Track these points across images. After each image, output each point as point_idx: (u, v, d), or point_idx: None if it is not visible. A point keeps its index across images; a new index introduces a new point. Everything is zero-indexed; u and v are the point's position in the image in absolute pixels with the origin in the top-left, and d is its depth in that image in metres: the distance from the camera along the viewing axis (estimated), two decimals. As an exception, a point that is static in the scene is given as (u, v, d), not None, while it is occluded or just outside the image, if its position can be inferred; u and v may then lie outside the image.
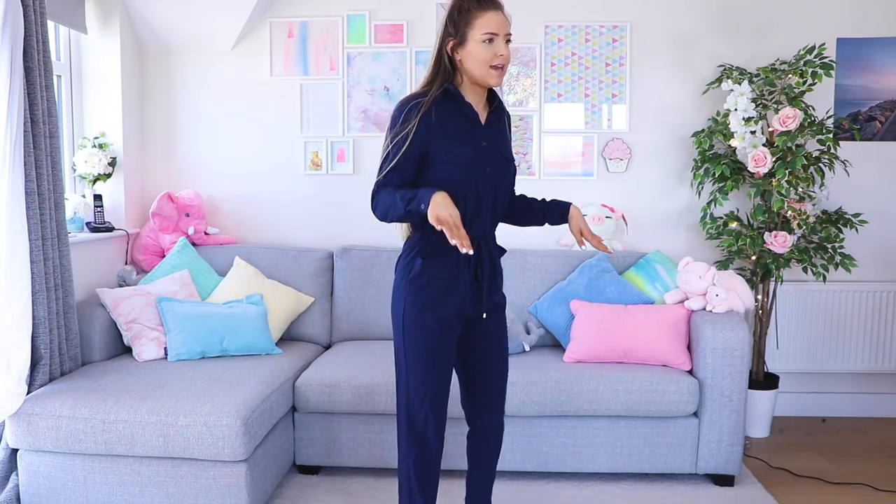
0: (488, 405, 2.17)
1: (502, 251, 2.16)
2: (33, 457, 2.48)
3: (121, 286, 3.27)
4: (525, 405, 2.74)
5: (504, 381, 2.19)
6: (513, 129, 2.20)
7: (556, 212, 2.16)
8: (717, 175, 3.29)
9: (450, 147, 1.95)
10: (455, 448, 2.82)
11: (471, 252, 1.77)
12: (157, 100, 3.67)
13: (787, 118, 3.10)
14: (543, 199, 2.21)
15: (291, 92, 3.63)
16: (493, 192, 2.03)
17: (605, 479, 2.88)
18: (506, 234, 3.58)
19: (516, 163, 2.38)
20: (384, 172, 1.96)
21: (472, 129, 2.00)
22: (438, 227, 1.80)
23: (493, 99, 2.08)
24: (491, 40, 1.92)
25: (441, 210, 1.80)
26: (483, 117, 2.04)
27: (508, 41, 1.96)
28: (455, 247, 1.88)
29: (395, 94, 3.59)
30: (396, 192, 1.91)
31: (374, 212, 1.98)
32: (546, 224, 2.20)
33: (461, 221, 1.83)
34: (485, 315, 2.08)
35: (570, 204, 2.16)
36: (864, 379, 3.65)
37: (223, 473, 2.40)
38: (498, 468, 2.82)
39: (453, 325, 2.04)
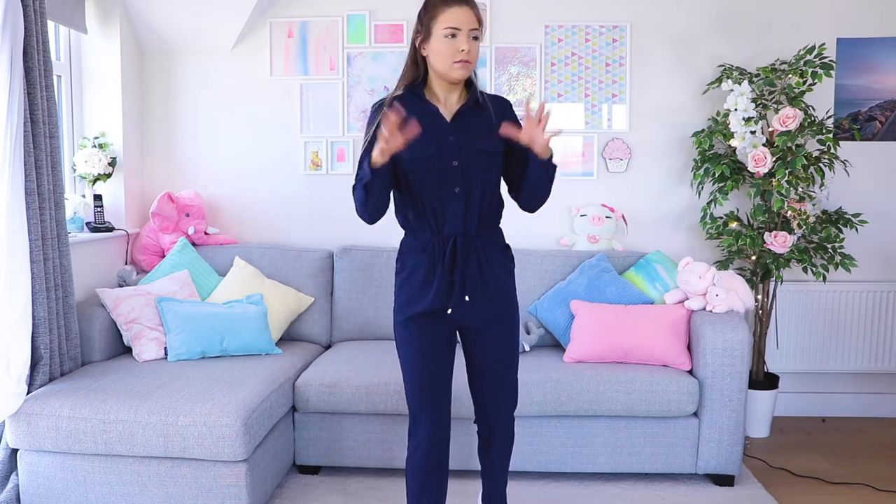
0: (490, 412, 2.15)
1: (506, 251, 2.11)
2: (33, 457, 2.48)
3: (121, 286, 3.27)
4: (525, 405, 2.74)
5: (507, 390, 2.13)
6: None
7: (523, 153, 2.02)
8: (717, 175, 3.29)
9: (411, 145, 1.90)
10: (467, 448, 2.82)
11: (402, 112, 1.82)
12: (157, 100, 3.67)
13: (787, 118, 3.10)
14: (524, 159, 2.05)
15: (291, 92, 3.63)
16: (465, 187, 1.98)
17: (605, 479, 2.88)
18: (506, 232, 3.60)
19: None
20: (356, 175, 2.00)
21: (435, 126, 1.98)
22: (384, 155, 1.84)
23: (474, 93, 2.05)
24: (453, 35, 1.92)
25: (387, 139, 1.81)
26: (453, 110, 2.02)
27: (476, 37, 1.95)
28: (428, 243, 2.00)
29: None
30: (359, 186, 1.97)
31: (357, 214, 2.02)
32: (532, 167, 2.01)
33: (437, 218, 1.98)
34: (450, 311, 2.01)
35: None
36: (864, 379, 3.65)
37: (223, 473, 2.40)
38: (498, 468, 2.83)
39: (435, 323, 2.02)
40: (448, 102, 2.04)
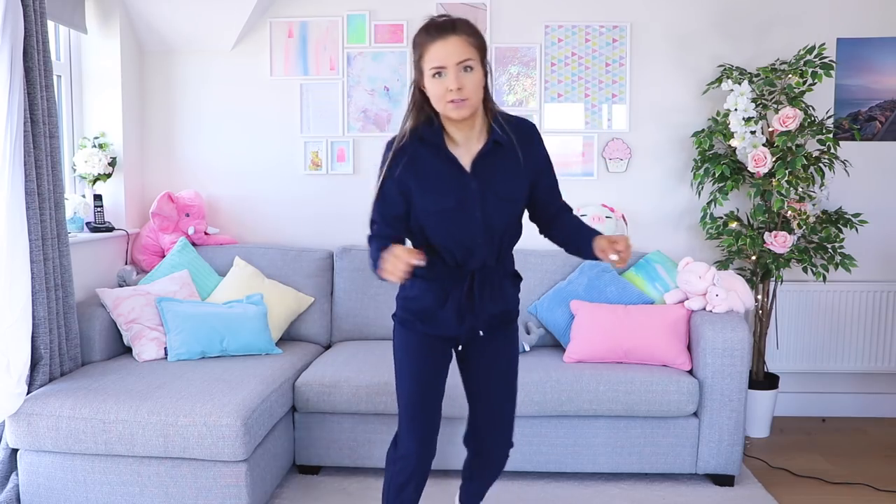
0: (480, 430, 2.08)
1: (516, 278, 2.03)
2: (33, 457, 2.48)
3: (121, 286, 3.27)
4: (525, 405, 2.74)
5: (500, 414, 2.05)
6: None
7: (585, 242, 1.91)
8: (717, 175, 3.29)
9: (428, 195, 1.83)
10: (452, 448, 2.82)
11: (422, 262, 1.69)
12: (157, 100, 3.67)
13: (787, 118, 3.10)
14: (578, 230, 1.98)
15: (291, 92, 3.63)
16: (487, 235, 1.87)
17: (605, 479, 2.88)
18: (506, 234, 3.60)
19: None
20: (371, 222, 1.95)
21: (453, 175, 1.84)
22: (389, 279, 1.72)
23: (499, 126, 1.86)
24: (440, 74, 1.76)
25: (387, 263, 1.69)
26: (473, 153, 1.85)
27: (467, 68, 1.76)
28: (441, 275, 1.90)
29: (395, 93, 3.59)
30: (374, 246, 1.88)
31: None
32: (586, 255, 1.93)
33: (455, 258, 1.88)
34: (461, 348, 2.00)
35: (596, 234, 1.91)
36: (864, 379, 3.65)
37: (223, 473, 2.40)
38: (498, 468, 2.83)
39: (442, 344, 1.98)
40: (467, 144, 1.86)
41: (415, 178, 1.84)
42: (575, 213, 2.05)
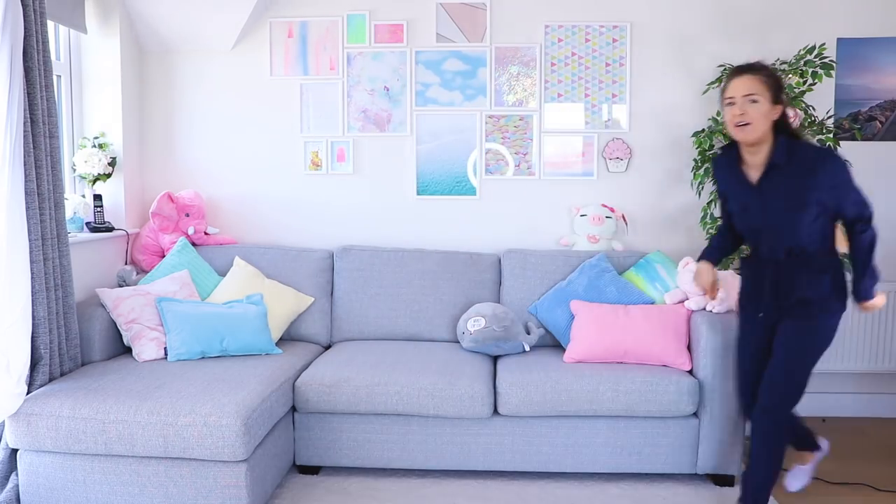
0: (761, 394, 2.38)
1: (822, 267, 2.30)
2: (33, 457, 2.48)
3: (121, 286, 3.27)
4: (525, 405, 2.74)
5: (769, 380, 2.33)
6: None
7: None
8: (717, 175, 3.29)
9: (729, 198, 2.45)
10: (452, 448, 2.82)
11: (713, 299, 2.60)
12: (157, 100, 3.67)
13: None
14: (855, 271, 2.34)
15: (291, 92, 3.63)
16: (770, 233, 2.32)
17: (605, 479, 2.88)
18: (506, 232, 3.61)
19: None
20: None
21: (742, 187, 2.36)
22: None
23: (786, 152, 2.25)
24: (731, 103, 2.25)
25: (695, 277, 2.60)
26: (760, 172, 2.30)
27: (754, 101, 2.21)
28: (756, 258, 2.42)
29: (394, 93, 3.59)
30: (714, 235, 2.69)
31: None
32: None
33: (752, 245, 2.45)
34: (761, 315, 2.40)
35: (856, 297, 2.33)
36: (864, 379, 3.65)
37: (223, 473, 2.40)
38: (498, 468, 2.83)
39: (756, 319, 2.42)
40: (757, 165, 2.31)
41: (725, 185, 2.46)
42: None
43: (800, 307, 2.30)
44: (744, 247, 2.57)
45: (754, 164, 2.33)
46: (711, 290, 2.55)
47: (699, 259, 2.60)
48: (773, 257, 2.34)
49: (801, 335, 2.31)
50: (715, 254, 2.61)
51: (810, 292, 2.29)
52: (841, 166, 2.23)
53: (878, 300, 2.33)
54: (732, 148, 2.40)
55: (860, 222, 2.27)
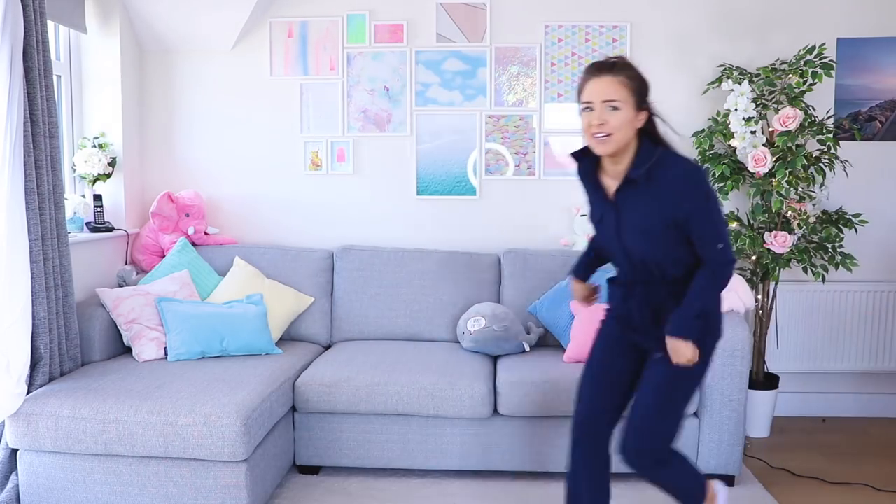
0: (627, 433, 2.04)
1: (676, 300, 1.97)
2: (33, 457, 2.48)
3: (121, 286, 3.27)
4: (525, 405, 2.74)
5: (633, 415, 2.02)
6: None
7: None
8: (717, 175, 3.29)
9: (588, 205, 2.12)
10: (451, 447, 2.82)
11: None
12: (157, 100, 3.67)
13: (787, 118, 3.10)
14: (684, 302, 1.98)
15: (291, 92, 3.63)
16: (626, 255, 2.02)
17: (605, 479, 2.87)
18: (506, 232, 3.60)
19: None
20: None
21: (599, 196, 2.06)
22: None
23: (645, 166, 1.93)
24: (588, 108, 1.94)
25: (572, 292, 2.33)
26: (617, 184, 1.98)
27: (615, 108, 1.90)
28: (622, 279, 2.11)
29: (394, 93, 3.59)
30: (587, 243, 2.34)
31: None
32: None
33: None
34: (634, 340, 2.10)
35: (667, 330, 1.97)
36: (864, 379, 3.65)
37: (223, 473, 2.40)
38: (498, 468, 2.83)
39: (621, 341, 2.13)
40: (616, 175, 2.01)
41: (585, 190, 2.14)
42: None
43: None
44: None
45: (614, 173, 2.01)
46: (587, 301, 2.30)
47: (570, 274, 2.33)
48: (635, 279, 2.05)
49: (669, 367, 1.97)
50: (581, 270, 2.30)
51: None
52: (707, 191, 1.91)
53: (689, 350, 1.92)
54: (592, 158, 2.07)
55: (714, 263, 1.93)
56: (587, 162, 2.08)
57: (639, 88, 1.94)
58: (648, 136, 1.98)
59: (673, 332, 1.94)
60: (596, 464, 2.14)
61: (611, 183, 2.03)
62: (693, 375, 2.01)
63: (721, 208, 1.96)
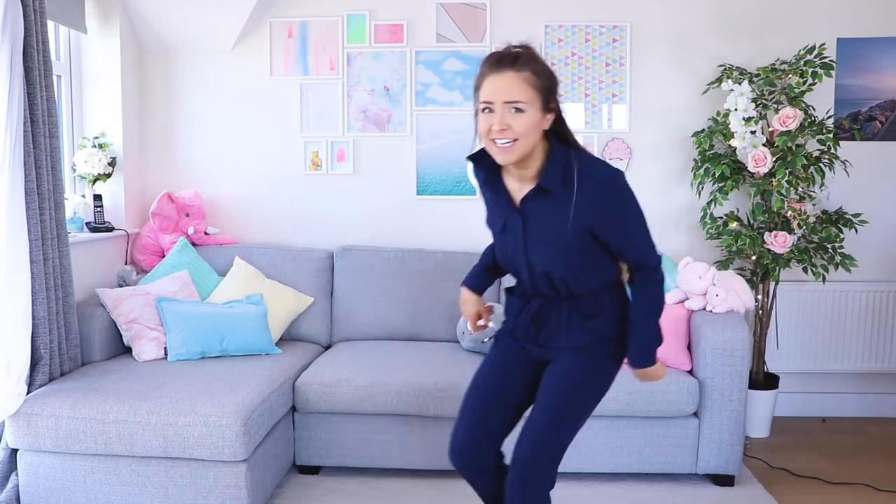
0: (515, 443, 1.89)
1: (589, 318, 1.83)
2: (33, 457, 2.48)
3: (121, 286, 3.27)
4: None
5: (536, 426, 1.84)
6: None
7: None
8: (717, 175, 3.29)
9: (488, 211, 1.89)
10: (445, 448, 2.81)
11: (472, 332, 1.98)
12: (157, 100, 3.67)
13: (787, 118, 3.10)
14: (629, 339, 1.86)
15: (291, 92, 3.63)
16: (529, 270, 1.82)
17: (605, 479, 2.88)
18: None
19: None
20: None
21: (503, 203, 1.82)
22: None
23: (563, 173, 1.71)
24: (488, 110, 1.66)
25: (461, 304, 2.09)
26: (524, 192, 1.77)
27: (519, 110, 1.63)
28: (520, 289, 1.93)
29: (395, 93, 3.59)
30: (484, 253, 2.08)
31: None
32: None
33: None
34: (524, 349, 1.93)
35: (631, 363, 1.88)
36: (864, 379, 3.65)
37: (223, 473, 2.40)
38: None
39: (516, 353, 1.96)
40: (522, 181, 1.78)
41: (484, 195, 1.90)
42: (639, 298, 1.83)
43: (570, 352, 1.85)
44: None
45: (520, 177, 1.77)
46: (475, 322, 2.05)
47: (462, 283, 2.08)
48: (535, 293, 1.87)
49: (568, 381, 1.84)
50: (480, 277, 2.06)
51: (581, 336, 1.83)
52: (629, 196, 1.73)
53: (659, 370, 1.88)
54: (490, 157, 1.77)
55: (641, 270, 1.78)
56: (486, 164, 1.80)
57: (546, 86, 1.67)
58: (557, 137, 1.74)
59: (640, 363, 1.85)
60: (495, 473, 1.98)
61: (516, 187, 1.79)
62: (599, 388, 1.88)
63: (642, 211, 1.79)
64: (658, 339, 1.86)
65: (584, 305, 1.83)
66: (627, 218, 1.74)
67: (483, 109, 1.67)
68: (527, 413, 1.93)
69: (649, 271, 1.79)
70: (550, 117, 1.71)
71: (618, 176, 1.72)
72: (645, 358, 1.85)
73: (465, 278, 2.08)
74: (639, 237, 1.77)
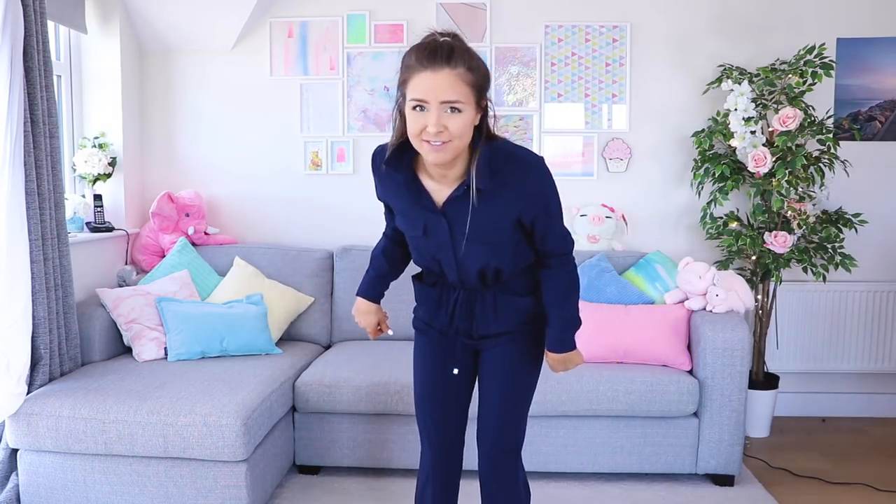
0: (479, 435, 1.92)
1: (525, 288, 1.83)
2: (33, 457, 2.48)
3: (121, 286, 3.27)
4: (525, 405, 2.74)
5: (496, 414, 1.87)
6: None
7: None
8: (717, 175, 3.29)
9: (401, 216, 1.80)
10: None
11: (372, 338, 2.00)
12: (157, 100, 3.67)
13: (787, 118, 3.10)
14: (549, 322, 1.84)
15: (291, 92, 3.63)
16: (460, 269, 1.77)
17: (605, 479, 2.88)
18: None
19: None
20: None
21: (423, 206, 1.72)
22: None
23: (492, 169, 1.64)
24: (420, 108, 1.55)
25: (356, 315, 2.05)
26: (447, 193, 1.69)
27: (456, 109, 1.54)
28: (435, 282, 1.89)
29: (394, 94, 3.58)
30: (374, 256, 2.08)
31: None
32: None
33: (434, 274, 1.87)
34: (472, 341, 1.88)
35: (551, 349, 1.85)
36: (864, 379, 3.65)
37: (223, 473, 2.40)
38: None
39: (442, 341, 1.92)
40: (444, 180, 1.69)
41: (391, 197, 1.80)
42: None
43: (503, 339, 1.84)
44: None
45: (442, 177, 1.68)
46: (375, 331, 2.05)
47: (358, 293, 2.05)
48: (461, 285, 1.82)
49: (511, 368, 1.85)
50: (377, 286, 2.04)
51: (512, 318, 1.82)
52: (552, 184, 1.69)
53: (578, 355, 1.85)
54: (404, 152, 1.68)
55: (559, 255, 1.77)
56: (402, 164, 1.70)
57: (481, 83, 1.58)
58: (478, 130, 1.65)
59: (562, 348, 1.82)
60: (451, 482, 2.01)
61: (435, 188, 1.70)
62: (537, 363, 1.91)
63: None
64: (578, 321, 1.83)
65: (508, 288, 1.81)
66: (551, 205, 1.72)
67: (414, 108, 1.56)
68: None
69: (566, 256, 1.79)
70: (480, 114, 1.62)
71: (541, 162, 1.68)
72: (566, 342, 1.83)
73: (359, 288, 2.04)
74: (560, 223, 1.75)
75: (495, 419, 1.88)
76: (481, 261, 1.75)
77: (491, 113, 1.67)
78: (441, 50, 1.53)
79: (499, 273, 1.78)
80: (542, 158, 1.70)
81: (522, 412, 1.92)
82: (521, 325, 1.84)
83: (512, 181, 1.64)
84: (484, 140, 1.65)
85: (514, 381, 1.88)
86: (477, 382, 1.96)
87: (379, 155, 1.77)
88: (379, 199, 1.89)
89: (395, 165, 1.70)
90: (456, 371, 1.89)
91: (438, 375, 1.92)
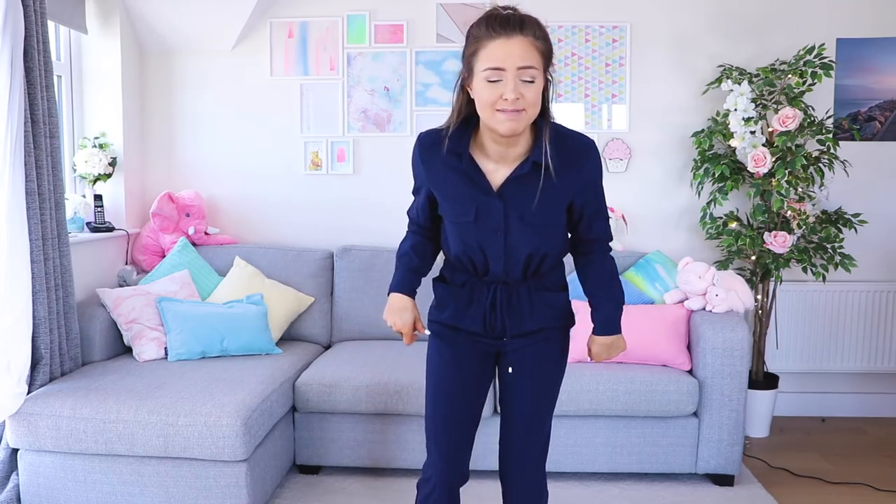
0: (506, 439, 1.87)
1: (559, 283, 1.82)
2: (33, 457, 2.48)
3: (121, 286, 3.28)
4: (525, 405, 2.74)
5: (528, 414, 1.81)
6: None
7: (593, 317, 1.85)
8: (716, 175, 3.29)
9: (448, 202, 1.72)
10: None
11: (408, 343, 1.80)
12: (157, 100, 3.67)
13: (786, 118, 3.10)
14: (595, 305, 1.86)
15: (291, 92, 3.63)
16: (508, 255, 1.71)
17: (605, 479, 2.88)
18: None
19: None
20: (409, 212, 1.94)
21: (477, 188, 1.67)
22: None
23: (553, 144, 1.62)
24: (497, 79, 1.52)
25: (389, 315, 1.82)
26: (506, 172, 1.65)
27: (531, 79, 1.52)
28: (468, 278, 1.79)
29: (395, 94, 3.59)
30: (403, 253, 1.91)
31: None
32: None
33: (476, 268, 1.75)
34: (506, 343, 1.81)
35: (598, 332, 1.85)
36: (864, 379, 3.65)
37: (223, 473, 2.40)
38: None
39: (466, 351, 1.84)
40: (503, 160, 1.66)
41: (440, 183, 1.73)
42: (602, 266, 1.83)
43: (538, 334, 1.79)
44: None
45: (502, 157, 1.65)
46: (411, 333, 1.83)
47: (391, 291, 1.86)
48: (501, 279, 1.74)
49: (548, 365, 1.82)
50: (411, 280, 1.88)
51: (548, 314, 1.79)
52: (602, 169, 1.71)
53: (622, 340, 1.85)
54: (462, 135, 1.67)
55: (603, 242, 1.79)
56: (461, 146, 1.66)
57: (549, 52, 1.57)
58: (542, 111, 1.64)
59: (607, 331, 1.81)
60: (455, 491, 1.93)
61: (494, 169, 1.67)
62: (564, 366, 1.87)
63: None
64: (622, 304, 1.85)
65: (542, 283, 1.79)
66: (600, 191, 1.74)
67: (492, 79, 1.53)
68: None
69: (608, 244, 1.81)
70: (543, 87, 1.59)
71: (594, 145, 1.70)
72: (613, 323, 1.82)
73: (391, 285, 1.87)
74: (606, 210, 1.78)
75: (528, 420, 1.81)
76: (532, 244, 1.70)
77: (551, 90, 1.64)
78: (513, 17, 1.53)
79: (544, 260, 1.75)
80: (594, 142, 1.71)
81: (549, 422, 1.87)
82: (555, 321, 1.82)
83: (573, 162, 1.64)
84: (541, 118, 1.63)
85: (549, 379, 1.84)
86: (498, 387, 1.92)
87: (431, 140, 1.72)
88: (416, 190, 1.84)
89: (457, 146, 1.67)
90: (511, 370, 1.81)
91: (460, 378, 1.82)
